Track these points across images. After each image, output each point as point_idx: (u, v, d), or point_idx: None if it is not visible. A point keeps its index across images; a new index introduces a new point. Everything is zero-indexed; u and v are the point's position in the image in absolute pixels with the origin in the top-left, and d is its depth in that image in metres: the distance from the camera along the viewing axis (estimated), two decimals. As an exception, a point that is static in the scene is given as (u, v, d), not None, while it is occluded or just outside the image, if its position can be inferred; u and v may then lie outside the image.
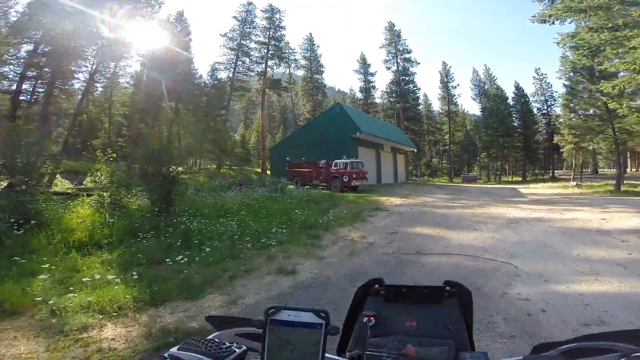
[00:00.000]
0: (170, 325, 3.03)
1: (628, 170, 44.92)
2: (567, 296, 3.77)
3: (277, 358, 0.67)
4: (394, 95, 45.66)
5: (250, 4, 37.85)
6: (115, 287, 3.55)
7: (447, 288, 0.98)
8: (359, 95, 50.44)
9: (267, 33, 38.84)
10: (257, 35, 38.72)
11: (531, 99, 44.29)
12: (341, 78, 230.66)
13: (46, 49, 19.37)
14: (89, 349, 2.61)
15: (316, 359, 0.65)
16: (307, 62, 45.98)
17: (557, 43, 15.07)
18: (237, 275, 4.24)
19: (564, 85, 30.81)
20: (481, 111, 46.64)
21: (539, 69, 44.43)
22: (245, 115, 58.01)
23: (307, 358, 0.65)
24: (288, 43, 41.53)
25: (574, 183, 25.41)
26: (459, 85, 50.96)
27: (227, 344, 0.76)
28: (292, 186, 15.02)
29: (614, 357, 0.69)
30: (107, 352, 2.58)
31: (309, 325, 0.67)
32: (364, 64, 47.91)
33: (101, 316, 3.11)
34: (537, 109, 44.58)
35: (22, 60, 20.52)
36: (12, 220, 5.59)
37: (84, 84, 22.42)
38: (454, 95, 48.02)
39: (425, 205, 12.62)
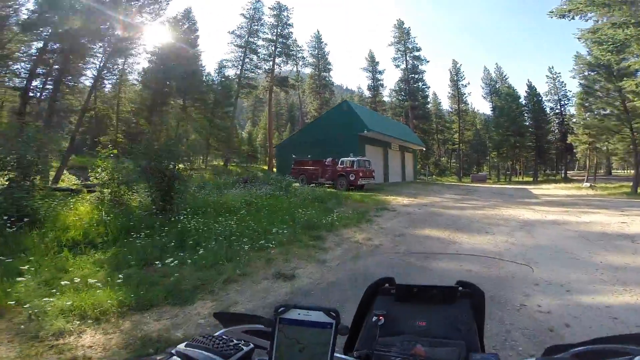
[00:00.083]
0: (153, 333, 2.80)
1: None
2: (592, 308, 3.42)
3: (285, 357, 0.65)
4: (402, 93, 45.12)
5: (258, 1, 37.73)
6: (98, 291, 3.31)
7: (460, 288, 0.97)
8: (367, 93, 50.09)
9: (275, 30, 38.63)
10: (264, 32, 38.60)
11: (544, 98, 43.34)
12: (349, 76, 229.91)
13: (55, 46, 19.41)
14: (62, 357, 2.44)
15: (325, 358, 0.63)
16: (314, 60, 45.66)
17: (579, 38, 14.50)
18: (232, 280, 3.97)
19: (580, 84, 29.93)
20: (492, 110, 45.85)
21: (553, 67, 43.09)
22: (253, 112, 58.11)
23: (316, 358, 0.64)
24: (295, 41, 41.36)
25: (588, 184, 24.70)
26: (469, 83, 50.14)
27: (234, 341, 0.75)
28: (297, 184, 14.77)
29: None
30: (81, 362, 2.37)
31: (318, 325, 0.66)
32: (372, 62, 47.41)
33: (81, 321, 2.91)
34: (550, 109, 43.58)
35: (33, 57, 20.67)
36: (5, 217, 5.43)
37: (92, 81, 22.49)
38: (464, 93, 47.36)
39: (434, 205, 12.22)
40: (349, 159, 17.39)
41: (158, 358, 0.72)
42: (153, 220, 6.14)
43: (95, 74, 22.45)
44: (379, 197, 13.54)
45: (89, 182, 14.69)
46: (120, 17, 17.35)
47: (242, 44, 37.04)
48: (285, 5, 39.20)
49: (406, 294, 0.98)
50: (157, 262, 4.25)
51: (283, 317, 0.67)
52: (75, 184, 14.37)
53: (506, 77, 46.98)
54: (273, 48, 38.40)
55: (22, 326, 2.80)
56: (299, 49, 42.50)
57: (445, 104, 50.22)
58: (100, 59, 22.10)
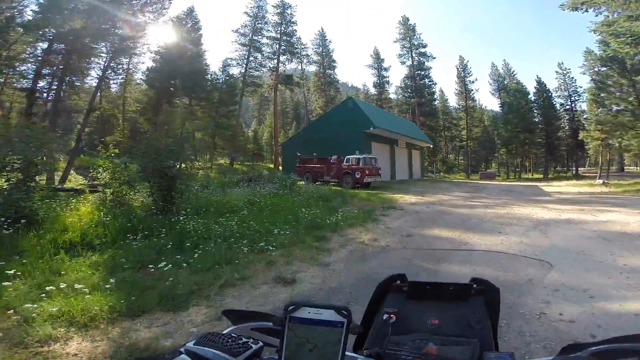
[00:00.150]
0: (141, 342, 2.66)
1: (659, 167, 42.52)
2: (621, 317, 3.13)
3: (295, 356, 0.64)
4: (409, 90, 44.66)
5: (261, -1, 37.53)
6: (87, 296, 3.15)
7: (474, 285, 0.95)
8: (372, 90, 49.71)
9: (279, 28, 38.46)
10: (268, 30, 38.48)
11: (554, 94, 42.43)
12: (354, 74, 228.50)
13: (59, 47, 19.45)
14: (45, 365, 2.30)
15: (336, 358, 0.62)
16: (319, 58, 45.40)
17: (594, 31, 14.01)
18: (229, 284, 3.75)
19: (592, 79, 29.17)
20: (500, 106, 45.14)
21: (562, 63, 42.12)
22: (258, 111, 58.15)
23: (326, 357, 0.63)
24: (300, 39, 41.21)
25: (601, 181, 24.06)
26: (476, 80, 49.31)
27: (244, 339, 0.75)
28: (302, 182, 14.56)
29: None
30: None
31: (329, 324, 0.65)
32: (378, 59, 46.99)
33: (70, 327, 2.79)
34: (560, 105, 42.64)
35: (38, 58, 20.78)
36: (2, 219, 5.31)
37: (97, 81, 22.55)
38: (472, 90, 46.66)
39: (442, 203, 11.88)
40: (355, 156, 17.11)
41: (167, 356, 0.70)
42: (152, 221, 5.97)
43: (100, 74, 22.46)
44: (386, 195, 13.24)
45: (95, 182, 14.72)
46: (123, 17, 17.30)
47: (246, 43, 36.96)
48: (288, 3, 39.07)
49: (418, 292, 0.96)
50: (150, 266, 4.05)
51: (293, 316, 0.66)
52: (81, 184, 14.40)
53: (514, 73, 46.21)
54: (277, 46, 38.25)
55: (8, 332, 2.69)
56: (303, 46, 42.41)
57: (452, 101, 49.62)
58: (104, 59, 22.16)
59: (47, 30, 17.98)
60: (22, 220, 5.43)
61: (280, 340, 0.66)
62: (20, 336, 2.60)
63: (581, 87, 39.47)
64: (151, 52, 27.89)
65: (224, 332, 0.81)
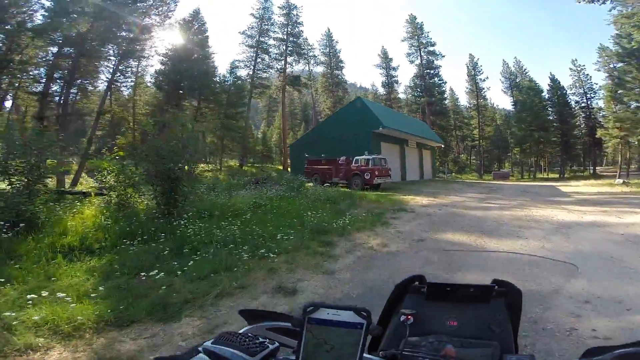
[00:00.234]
0: (124, 355, 2.49)
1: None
2: (663, 334, 2.74)
3: (312, 357, 0.64)
4: (418, 89, 44.01)
5: (267, 0, 37.63)
6: (72, 304, 3.00)
7: (496, 287, 0.94)
8: (381, 90, 49.23)
9: (285, 30, 38.43)
10: (275, 32, 38.49)
11: (568, 91, 41.10)
12: (362, 74, 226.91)
13: (69, 50, 19.71)
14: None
15: (354, 359, 0.62)
16: (326, 58, 45.16)
17: (614, 23, 13.40)
18: (226, 293, 3.50)
19: (610, 75, 28.16)
20: (513, 105, 44.11)
21: (576, 60, 40.72)
22: (267, 113, 58.30)
23: (344, 358, 0.63)
24: (306, 39, 41.15)
25: (621, 181, 23.12)
26: (487, 78, 48.07)
27: (260, 339, 0.75)
28: (310, 184, 14.30)
29: None
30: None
31: (348, 325, 0.64)
32: (386, 58, 46.47)
33: (53, 336, 2.67)
34: (576, 102, 41.29)
35: (49, 62, 21.12)
36: (1, 222, 5.21)
37: (107, 84, 22.78)
38: (483, 88, 45.61)
39: (455, 205, 11.43)
40: (364, 157, 16.77)
41: (185, 356, 0.70)
42: (153, 225, 5.79)
43: (109, 77, 22.70)
44: (396, 197, 12.86)
45: (101, 186, 14.79)
46: (129, 20, 17.40)
47: (254, 44, 37.05)
48: (294, 4, 39.04)
49: (438, 293, 0.95)
50: (142, 273, 3.83)
51: (312, 317, 0.66)
52: (92, 187, 14.49)
53: (526, 71, 45.03)
54: (284, 47, 38.23)
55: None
56: (310, 47, 42.34)
57: (463, 100, 48.76)
58: (113, 62, 22.41)
59: (55, 34, 18.23)
60: (21, 224, 5.33)
61: (298, 341, 0.66)
62: (1, 344, 2.50)
63: (597, 84, 38.21)
64: (159, 55, 28.16)
65: (240, 331, 0.81)
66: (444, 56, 44.42)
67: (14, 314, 2.79)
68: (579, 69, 40.18)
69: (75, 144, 25.37)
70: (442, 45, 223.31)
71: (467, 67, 45.92)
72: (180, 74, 27.77)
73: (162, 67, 29.15)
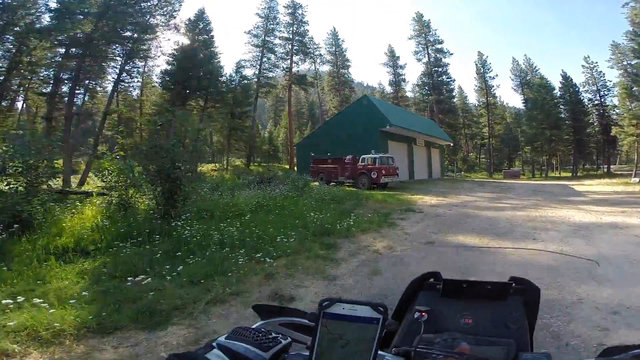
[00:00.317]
0: None
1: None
2: None
3: (327, 352, 0.64)
4: (426, 87, 43.46)
5: (272, 0, 37.41)
6: (52, 310, 2.84)
7: (513, 284, 0.93)
8: (388, 89, 48.77)
9: (291, 29, 38.31)
10: (280, 31, 38.42)
11: (581, 89, 39.99)
12: (369, 73, 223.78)
13: (76, 51, 19.82)
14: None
15: (369, 355, 0.62)
16: (332, 57, 44.82)
17: (635, 15, 12.82)
18: (219, 299, 3.27)
19: (626, 71, 27.28)
20: (524, 103, 43.24)
21: (589, 57, 39.58)
22: (274, 112, 58.26)
23: (359, 354, 0.62)
24: (312, 38, 40.89)
25: (637, 179, 22.36)
26: (497, 76, 47.25)
27: (273, 334, 0.75)
28: (315, 184, 14.04)
29: None
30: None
31: (364, 320, 0.64)
32: (393, 57, 45.96)
33: (31, 343, 2.53)
34: (589, 100, 40.15)
35: (57, 63, 21.30)
36: (-5, 223, 5.09)
37: (113, 84, 22.89)
38: (492, 86, 44.73)
39: (466, 205, 11.03)
40: (371, 155, 16.43)
41: (200, 351, 0.70)
42: (151, 226, 5.60)
43: (115, 77, 22.80)
44: (404, 197, 12.52)
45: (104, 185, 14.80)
46: (133, 20, 17.38)
47: (259, 44, 37.02)
48: (299, 3, 38.89)
49: (453, 290, 0.93)
50: (130, 278, 3.61)
51: (327, 312, 0.66)
52: (98, 187, 14.49)
53: (537, 68, 44.19)
54: (290, 46, 38.15)
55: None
56: (316, 46, 42.05)
57: (472, 98, 48.02)
58: (119, 62, 22.50)
59: (61, 35, 18.33)
60: (16, 225, 5.19)
61: (313, 336, 0.65)
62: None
63: (610, 82, 37.10)
64: (165, 55, 28.24)
65: (254, 326, 0.81)
66: (452, 54, 43.75)
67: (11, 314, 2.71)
68: (591, 66, 39.11)
69: (84, 144, 25.61)
70: (450, 43, 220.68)
71: (476, 64, 45.21)
72: (186, 74, 27.79)
73: (169, 67, 29.26)
